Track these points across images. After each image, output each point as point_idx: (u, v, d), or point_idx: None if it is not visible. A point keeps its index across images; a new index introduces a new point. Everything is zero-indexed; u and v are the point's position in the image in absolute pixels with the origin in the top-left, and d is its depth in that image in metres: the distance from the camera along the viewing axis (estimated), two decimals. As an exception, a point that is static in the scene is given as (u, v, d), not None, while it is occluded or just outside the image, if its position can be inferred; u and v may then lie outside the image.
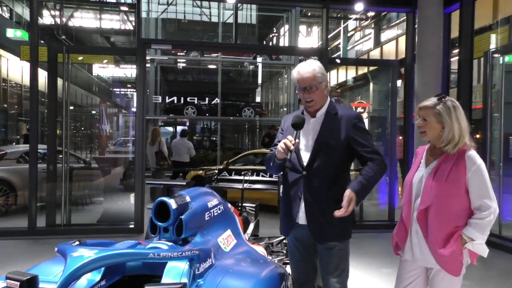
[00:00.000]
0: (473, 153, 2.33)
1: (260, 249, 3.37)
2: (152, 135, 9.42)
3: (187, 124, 25.17)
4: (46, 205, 6.49)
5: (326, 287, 2.54)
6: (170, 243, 2.32)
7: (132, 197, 6.90)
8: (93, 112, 21.08)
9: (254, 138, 21.24)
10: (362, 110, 10.54)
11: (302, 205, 2.50)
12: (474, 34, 6.53)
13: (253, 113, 15.78)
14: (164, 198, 2.48)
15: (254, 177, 4.56)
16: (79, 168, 8.44)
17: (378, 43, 22.52)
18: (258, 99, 22.96)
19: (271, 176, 4.53)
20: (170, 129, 23.89)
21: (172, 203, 2.46)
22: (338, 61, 12.55)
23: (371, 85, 20.77)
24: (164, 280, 2.09)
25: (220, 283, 2.21)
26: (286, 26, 18.08)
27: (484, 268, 4.65)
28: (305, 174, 2.49)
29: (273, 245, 4.04)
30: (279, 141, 2.57)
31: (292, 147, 2.39)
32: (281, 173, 4.17)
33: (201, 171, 9.00)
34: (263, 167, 7.26)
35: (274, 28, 20.61)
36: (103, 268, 2.14)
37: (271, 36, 21.91)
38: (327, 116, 2.55)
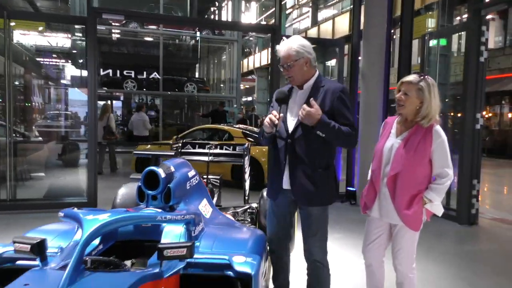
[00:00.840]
0: (438, 128, 2.64)
1: (229, 217, 3.58)
2: (101, 110, 9.25)
3: (121, 98, 24.18)
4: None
5: (306, 248, 2.73)
6: (159, 210, 2.44)
7: (81, 171, 6.74)
8: (17, 83, 19.59)
9: (194, 115, 21.07)
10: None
11: (287, 170, 2.65)
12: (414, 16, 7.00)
13: (195, 88, 15.58)
14: (153, 168, 2.59)
15: (218, 150, 4.69)
16: (19, 142, 8.01)
17: (315, 22, 23.07)
18: (197, 74, 22.67)
19: (234, 149, 4.70)
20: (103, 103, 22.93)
21: (161, 172, 2.57)
22: (284, 38, 12.76)
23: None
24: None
25: (214, 244, 2.39)
26: (228, 1, 17.89)
27: (421, 231, 5.20)
28: (290, 142, 2.62)
29: (238, 214, 4.24)
30: (271, 114, 2.68)
31: (276, 122, 2.56)
32: (247, 145, 4.36)
33: (149, 145, 8.94)
34: (227, 142, 7.40)
35: (216, 2, 20.28)
36: None
37: (212, 10, 21.56)
38: (313, 88, 2.66)
